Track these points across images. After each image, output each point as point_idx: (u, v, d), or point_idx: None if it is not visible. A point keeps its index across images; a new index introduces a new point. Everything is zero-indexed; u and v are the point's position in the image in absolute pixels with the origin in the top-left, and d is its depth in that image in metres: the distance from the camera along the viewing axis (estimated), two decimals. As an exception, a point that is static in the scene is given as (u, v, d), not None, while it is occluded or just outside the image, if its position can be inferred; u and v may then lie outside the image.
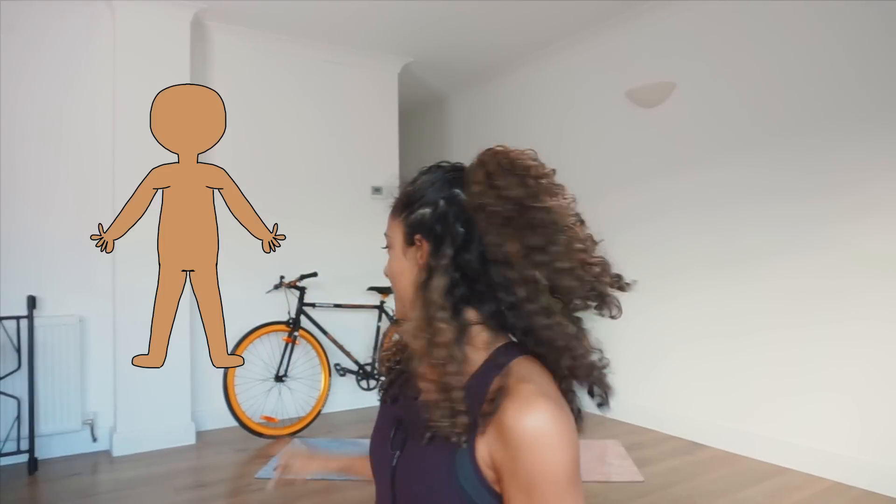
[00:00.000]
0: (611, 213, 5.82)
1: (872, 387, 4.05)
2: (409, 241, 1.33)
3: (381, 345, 5.92)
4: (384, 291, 5.99)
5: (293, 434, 5.32)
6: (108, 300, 5.04)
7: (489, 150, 1.31)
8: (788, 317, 4.48)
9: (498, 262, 1.23)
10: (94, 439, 4.96)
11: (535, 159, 1.31)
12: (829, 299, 4.25)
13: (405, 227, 1.34)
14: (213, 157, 5.55)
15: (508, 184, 1.22)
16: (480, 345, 1.27)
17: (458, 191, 1.30)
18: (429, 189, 1.34)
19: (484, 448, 1.14)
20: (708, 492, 4.09)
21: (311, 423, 5.48)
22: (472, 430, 1.16)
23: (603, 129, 6.03)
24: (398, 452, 1.31)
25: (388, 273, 1.43)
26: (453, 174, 1.36)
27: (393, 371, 1.53)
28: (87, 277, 5.03)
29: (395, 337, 1.60)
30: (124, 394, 4.95)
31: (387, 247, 1.42)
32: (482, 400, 1.17)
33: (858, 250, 4.13)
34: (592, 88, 6.14)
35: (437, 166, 1.39)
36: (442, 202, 1.30)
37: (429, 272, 1.28)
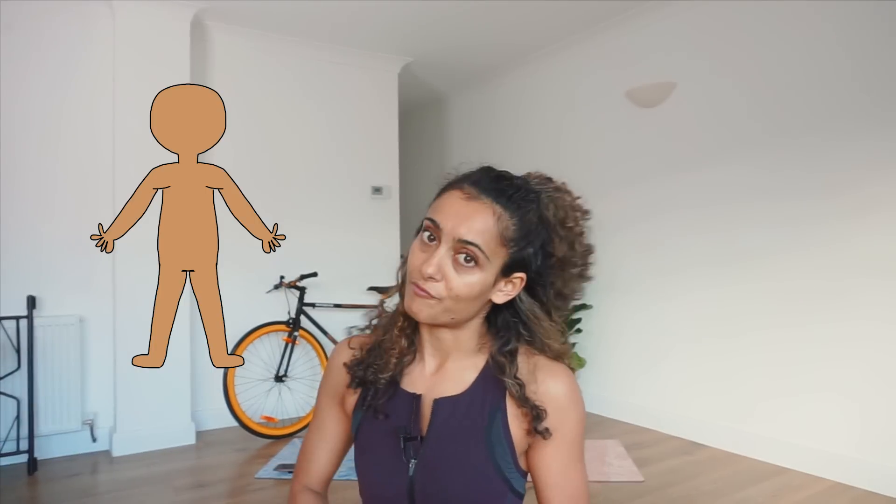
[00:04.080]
0: (610, 213, 5.81)
1: (872, 387, 4.05)
2: (506, 273, 1.34)
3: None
4: (384, 291, 5.93)
5: (293, 434, 5.32)
6: (108, 300, 5.04)
7: (566, 192, 1.43)
8: (787, 316, 4.47)
9: (546, 298, 1.41)
10: (94, 439, 4.95)
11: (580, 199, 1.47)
12: (829, 299, 4.24)
13: (509, 259, 1.32)
14: (212, 157, 5.54)
15: (581, 240, 1.41)
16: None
17: (549, 240, 1.36)
18: (534, 228, 1.34)
19: (518, 425, 1.34)
20: (708, 492, 4.09)
21: (311, 423, 5.45)
22: (504, 408, 1.35)
23: (603, 128, 6.02)
24: (413, 461, 1.36)
25: (457, 289, 1.29)
26: (545, 213, 1.36)
27: (364, 379, 1.46)
28: (87, 277, 5.03)
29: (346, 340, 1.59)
30: (124, 394, 4.95)
31: (471, 258, 1.28)
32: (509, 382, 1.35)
33: (858, 250, 4.12)
34: (592, 88, 6.13)
35: (534, 193, 1.36)
36: (540, 251, 1.35)
37: (507, 304, 1.39)
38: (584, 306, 6.00)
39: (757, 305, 4.67)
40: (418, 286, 1.30)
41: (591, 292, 6.02)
